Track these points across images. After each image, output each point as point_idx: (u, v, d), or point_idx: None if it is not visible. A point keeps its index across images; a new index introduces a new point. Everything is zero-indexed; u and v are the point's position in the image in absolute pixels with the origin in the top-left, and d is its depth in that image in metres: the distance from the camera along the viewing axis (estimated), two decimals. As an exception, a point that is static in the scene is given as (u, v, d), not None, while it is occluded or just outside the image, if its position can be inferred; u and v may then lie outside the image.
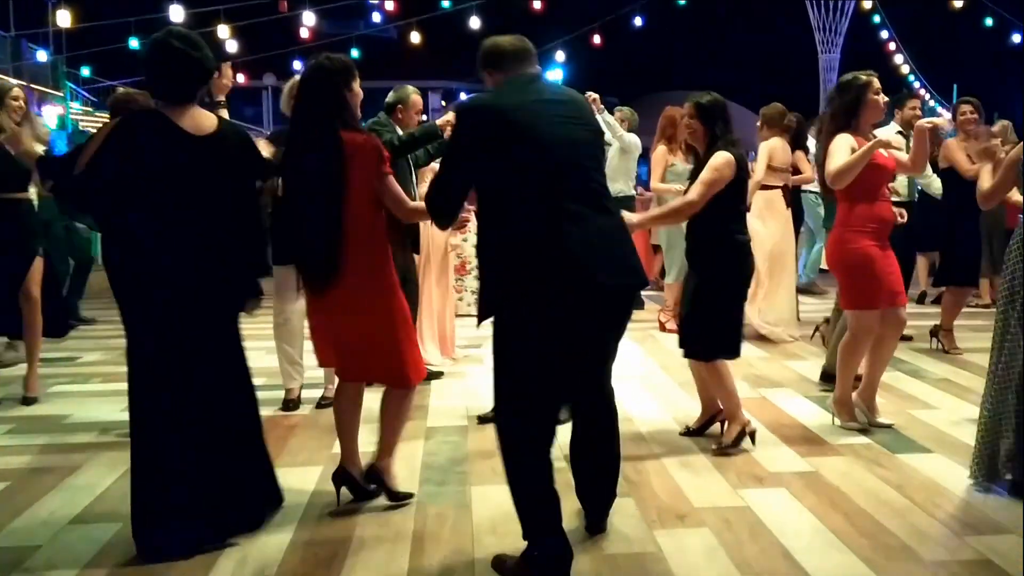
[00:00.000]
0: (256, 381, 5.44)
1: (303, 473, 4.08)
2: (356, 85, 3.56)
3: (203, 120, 3.34)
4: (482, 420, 4.76)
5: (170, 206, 3.24)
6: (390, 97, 5.56)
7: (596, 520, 3.39)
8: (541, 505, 3.00)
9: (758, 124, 7.21)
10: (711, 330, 4.25)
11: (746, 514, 3.56)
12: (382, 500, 3.72)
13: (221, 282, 3.36)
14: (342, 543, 3.34)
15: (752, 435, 4.33)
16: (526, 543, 3.00)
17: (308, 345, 5.23)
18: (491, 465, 4.17)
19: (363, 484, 3.70)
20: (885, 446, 4.38)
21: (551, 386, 3.01)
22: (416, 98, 5.54)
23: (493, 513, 3.59)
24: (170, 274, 3.25)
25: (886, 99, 4.56)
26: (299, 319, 5.08)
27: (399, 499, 3.67)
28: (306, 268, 3.54)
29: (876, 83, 4.43)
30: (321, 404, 5.12)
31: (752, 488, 3.84)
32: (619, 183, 7.55)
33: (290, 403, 5.14)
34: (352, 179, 3.40)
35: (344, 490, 3.70)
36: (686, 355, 4.40)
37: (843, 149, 4.24)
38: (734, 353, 4.31)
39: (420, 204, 3.55)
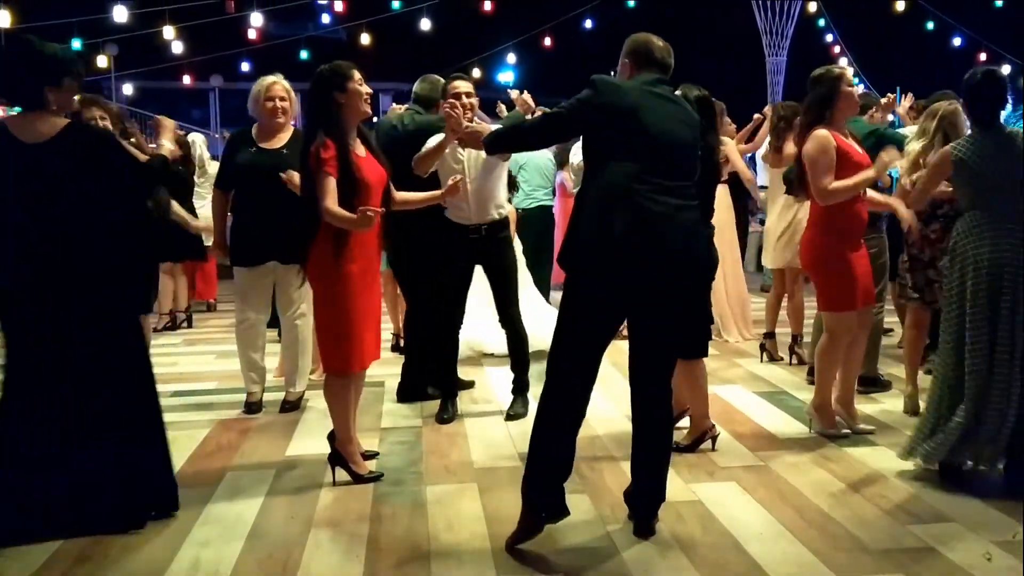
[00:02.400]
0: (207, 385, 5.41)
1: (256, 476, 4.06)
2: (352, 84, 3.83)
3: (42, 126, 3.31)
4: (510, 417, 4.91)
5: (19, 214, 3.27)
6: (425, 90, 5.37)
7: (644, 518, 3.44)
8: (555, 464, 3.26)
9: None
10: (695, 328, 4.23)
11: (698, 508, 3.62)
12: (336, 499, 3.73)
13: (93, 285, 3.35)
14: (297, 544, 3.34)
15: (714, 439, 4.36)
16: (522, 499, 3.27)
17: (270, 348, 5.25)
18: (445, 465, 4.20)
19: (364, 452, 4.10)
20: (832, 440, 4.47)
21: (598, 341, 3.27)
22: (455, 83, 4.90)
23: (448, 512, 3.61)
24: (31, 282, 3.28)
25: (860, 91, 4.57)
26: (261, 322, 5.05)
27: (360, 481, 3.93)
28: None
29: (848, 75, 4.44)
30: (285, 408, 5.09)
31: (703, 483, 3.90)
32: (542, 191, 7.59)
33: (252, 406, 5.08)
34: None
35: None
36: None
37: (828, 156, 4.20)
38: (705, 351, 4.34)
39: (334, 210, 3.72)
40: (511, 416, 4.93)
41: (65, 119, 3.37)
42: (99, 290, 3.38)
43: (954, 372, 3.81)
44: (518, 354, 5.07)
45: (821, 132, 4.27)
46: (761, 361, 6.27)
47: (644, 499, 3.44)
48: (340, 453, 3.93)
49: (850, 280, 4.36)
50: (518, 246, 6.12)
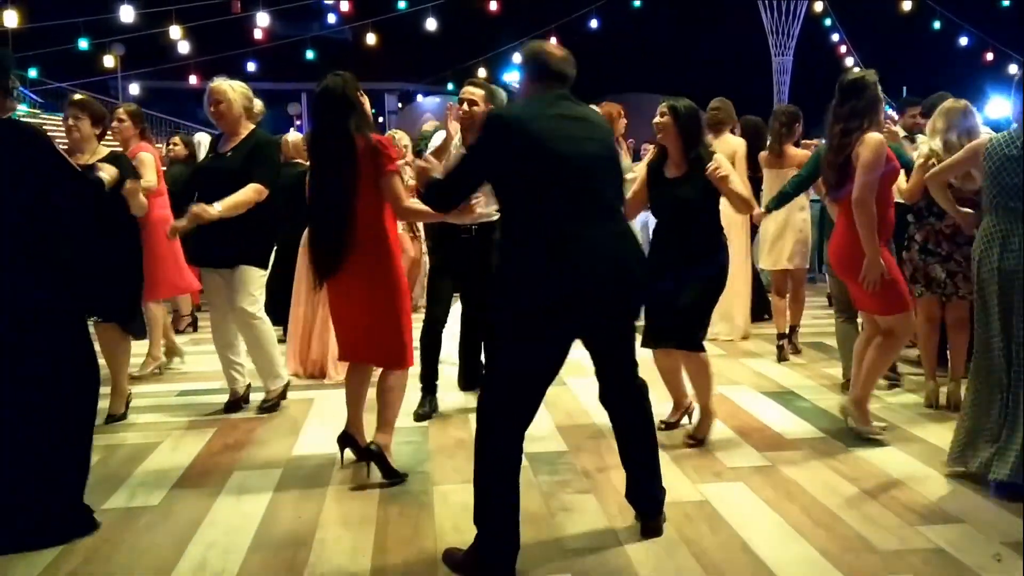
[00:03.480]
0: (213, 384, 5.41)
1: (262, 475, 4.06)
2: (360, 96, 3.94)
3: None
4: (418, 418, 4.91)
5: None
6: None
7: (649, 511, 3.41)
8: (501, 494, 3.07)
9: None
10: (702, 321, 4.37)
11: (705, 508, 3.61)
12: (342, 499, 3.72)
13: (22, 291, 3.26)
14: (304, 543, 3.33)
15: (690, 414, 4.56)
16: (476, 531, 3.08)
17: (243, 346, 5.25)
18: (453, 465, 4.19)
19: (364, 445, 4.00)
20: (840, 440, 4.46)
21: (536, 384, 3.12)
22: (465, 88, 5.10)
23: (455, 512, 3.60)
24: None
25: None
26: (226, 321, 5.03)
27: (394, 476, 3.91)
28: (318, 255, 3.91)
29: (878, 81, 4.37)
30: (264, 407, 5.09)
31: (711, 483, 3.89)
32: None
33: (237, 403, 5.11)
34: (362, 177, 3.80)
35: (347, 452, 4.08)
36: (680, 347, 4.39)
37: (881, 165, 4.17)
38: (700, 345, 4.42)
39: (416, 204, 3.82)
40: (420, 417, 5.02)
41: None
42: (18, 294, 3.26)
43: (986, 377, 3.81)
44: (473, 354, 5.29)
45: (879, 138, 4.23)
46: (778, 361, 6.29)
47: (646, 498, 3.42)
48: (382, 448, 3.94)
49: (900, 282, 4.37)
50: None
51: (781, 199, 5.62)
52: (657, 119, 4.36)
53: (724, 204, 4.42)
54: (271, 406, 5.10)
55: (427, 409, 4.99)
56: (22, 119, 3.90)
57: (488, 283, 4.97)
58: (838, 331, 5.47)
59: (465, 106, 4.73)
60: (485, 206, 4.67)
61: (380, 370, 4.03)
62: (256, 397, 5.19)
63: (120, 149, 5.65)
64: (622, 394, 3.35)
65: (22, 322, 3.29)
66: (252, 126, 4.94)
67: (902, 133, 5.61)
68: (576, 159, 3.07)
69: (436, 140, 4.92)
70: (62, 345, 3.39)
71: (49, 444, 3.34)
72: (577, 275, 2.99)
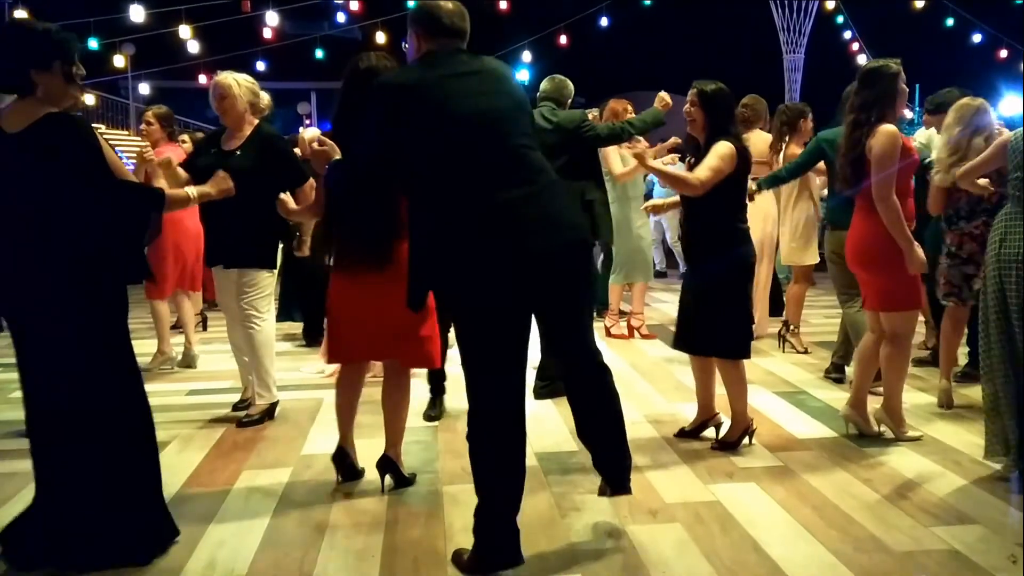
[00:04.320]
0: (223, 384, 5.39)
1: (271, 476, 4.05)
2: None
3: (20, 116, 3.07)
4: (429, 419, 4.91)
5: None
6: (554, 89, 5.67)
7: (615, 479, 3.25)
8: (502, 492, 3.04)
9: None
10: (740, 327, 4.22)
11: (716, 508, 3.58)
12: (352, 498, 3.72)
13: (60, 289, 3.07)
14: (313, 543, 3.32)
15: (751, 434, 4.35)
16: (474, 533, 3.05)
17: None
18: (462, 464, 4.16)
19: (356, 463, 3.95)
20: (852, 440, 4.43)
21: (506, 359, 2.99)
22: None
23: (465, 512, 3.57)
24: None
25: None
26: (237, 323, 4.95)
27: (407, 484, 3.88)
28: (364, 253, 3.60)
29: (902, 72, 4.26)
30: (238, 407, 5.06)
31: (722, 483, 3.86)
32: None
33: (248, 403, 5.07)
34: None
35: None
36: (717, 354, 4.29)
37: (896, 157, 4.07)
38: (749, 351, 4.31)
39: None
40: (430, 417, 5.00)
41: (46, 109, 3.08)
42: (66, 291, 3.09)
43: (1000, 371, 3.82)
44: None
45: (892, 129, 4.13)
46: (783, 351, 6.47)
47: (616, 468, 3.27)
48: (392, 458, 3.84)
49: (916, 278, 4.25)
50: None
51: (773, 180, 5.66)
52: (686, 107, 4.24)
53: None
54: (252, 422, 4.84)
55: (438, 411, 4.98)
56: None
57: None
58: (847, 319, 5.42)
59: None
60: None
61: (380, 379, 3.90)
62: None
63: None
64: (578, 370, 3.17)
65: (77, 317, 3.11)
66: (256, 121, 4.84)
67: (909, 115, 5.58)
68: (483, 116, 2.89)
69: None
70: (116, 350, 3.21)
71: (120, 456, 3.19)
72: (502, 249, 2.83)
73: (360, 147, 3.08)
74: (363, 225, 3.60)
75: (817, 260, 6.47)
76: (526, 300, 2.97)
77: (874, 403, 4.52)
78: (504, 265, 2.87)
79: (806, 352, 6.44)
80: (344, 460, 3.89)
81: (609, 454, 3.27)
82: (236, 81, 4.78)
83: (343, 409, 3.90)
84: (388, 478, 3.81)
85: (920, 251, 4.10)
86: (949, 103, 5.46)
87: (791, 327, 6.55)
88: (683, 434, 4.52)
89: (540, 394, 5.27)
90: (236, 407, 5.12)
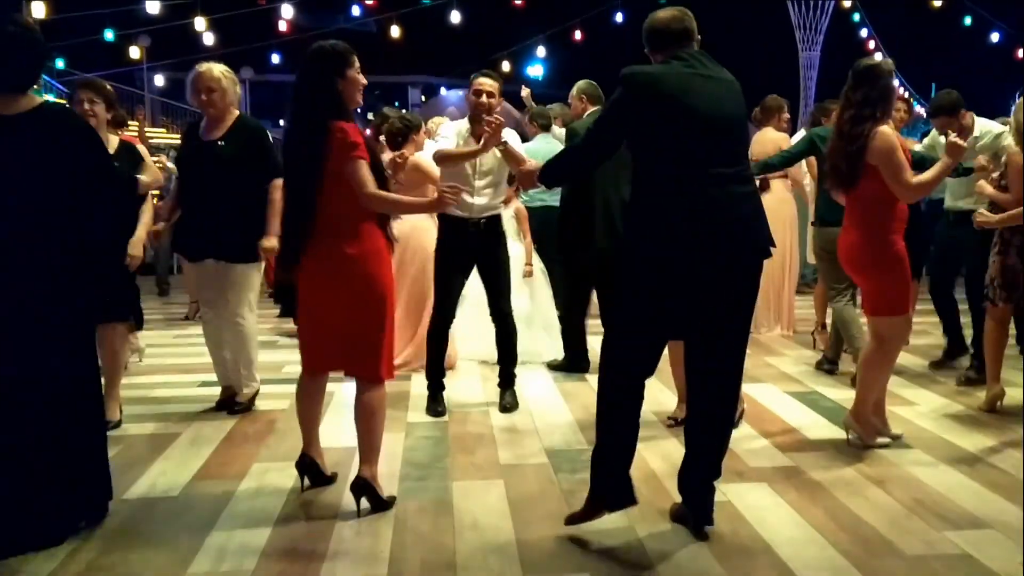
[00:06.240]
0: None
1: (282, 469, 4.04)
2: (351, 72, 3.48)
3: (21, 102, 3.20)
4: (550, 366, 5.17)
5: None
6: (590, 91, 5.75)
7: (699, 518, 3.35)
8: (618, 449, 3.27)
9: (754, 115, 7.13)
10: None
11: (727, 508, 3.56)
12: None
13: (46, 274, 3.19)
14: (322, 537, 3.32)
15: (740, 415, 4.47)
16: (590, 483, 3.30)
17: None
18: (471, 460, 4.17)
19: (325, 471, 3.81)
20: (865, 442, 4.39)
21: (657, 330, 3.24)
22: (480, 80, 5.03)
23: (474, 508, 3.58)
24: None
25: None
26: (221, 319, 4.91)
27: (386, 507, 3.57)
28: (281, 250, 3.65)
29: (894, 70, 4.28)
30: (235, 410, 4.95)
31: (733, 483, 3.84)
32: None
33: (231, 400, 5.03)
34: (328, 167, 3.39)
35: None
36: None
37: (900, 152, 4.06)
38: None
39: (384, 193, 3.50)
40: (505, 408, 5.00)
41: (38, 99, 3.26)
42: (46, 278, 3.19)
43: None
44: (506, 348, 5.10)
45: (888, 129, 4.10)
46: (814, 348, 6.46)
47: (703, 494, 3.36)
48: (368, 480, 3.54)
49: (908, 282, 4.24)
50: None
51: (764, 167, 5.72)
52: None
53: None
54: (242, 409, 4.94)
55: (441, 407, 4.98)
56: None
57: (505, 272, 4.99)
58: (836, 314, 5.55)
59: (484, 97, 4.72)
60: (471, 197, 4.67)
61: (354, 393, 3.63)
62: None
63: (127, 137, 5.44)
64: (713, 383, 3.29)
65: (49, 309, 3.21)
66: (237, 112, 4.80)
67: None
68: (713, 118, 3.13)
69: (443, 129, 4.97)
70: (82, 333, 3.36)
71: (79, 430, 3.31)
72: (705, 229, 3.07)
73: (598, 125, 3.29)
74: (288, 216, 3.59)
75: None
76: (701, 295, 3.16)
77: (891, 406, 4.49)
78: (696, 248, 3.09)
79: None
80: (310, 467, 3.74)
81: (707, 490, 3.36)
82: (223, 74, 4.73)
83: (303, 418, 3.73)
84: (364, 501, 3.52)
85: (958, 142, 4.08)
86: (946, 106, 5.44)
87: (819, 326, 6.53)
88: (676, 424, 4.52)
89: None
90: (221, 404, 5.04)
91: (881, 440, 4.34)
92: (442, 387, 5.07)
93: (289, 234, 3.56)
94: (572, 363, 5.95)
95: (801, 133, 7.61)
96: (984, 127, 5.70)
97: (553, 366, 6.02)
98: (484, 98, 4.71)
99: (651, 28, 3.35)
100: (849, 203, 4.27)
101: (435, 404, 4.98)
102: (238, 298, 4.81)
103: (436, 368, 5.03)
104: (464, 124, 4.90)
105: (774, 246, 3.28)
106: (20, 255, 3.16)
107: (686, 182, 3.08)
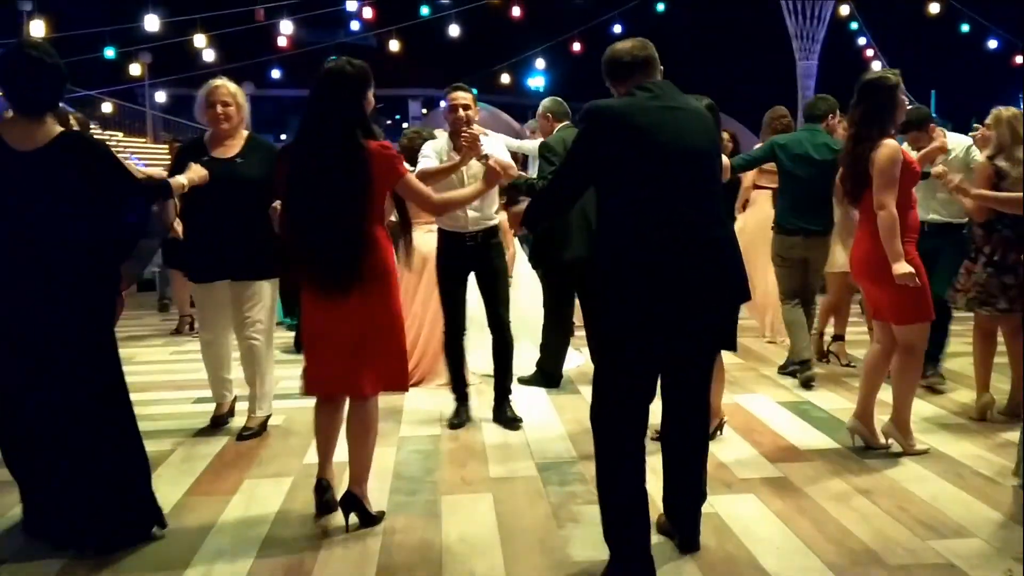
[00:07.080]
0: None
1: (273, 484, 4.07)
2: (372, 91, 3.50)
3: (37, 133, 3.23)
4: (452, 426, 4.96)
5: (6, 222, 3.21)
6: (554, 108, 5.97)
7: (687, 537, 3.34)
8: (628, 519, 3.06)
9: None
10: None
11: (713, 519, 3.57)
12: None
13: (68, 296, 3.24)
14: (310, 551, 3.34)
15: (721, 426, 4.51)
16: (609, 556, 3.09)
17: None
18: (461, 475, 4.18)
19: (334, 499, 3.67)
20: (854, 451, 4.41)
21: (641, 372, 3.05)
22: (455, 94, 4.98)
23: (462, 522, 3.60)
24: (7, 288, 3.22)
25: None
26: (222, 342, 4.90)
27: (374, 523, 3.58)
28: (323, 277, 3.41)
29: (901, 83, 4.24)
30: (244, 436, 4.77)
31: (721, 494, 3.85)
32: None
33: (224, 418, 5.00)
34: (376, 188, 3.41)
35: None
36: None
37: (896, 170, 4.05)
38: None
39: (446, 196, 3.85)
40: (505, 422, 5.00)
41: (59, 127, 3.29)
42: (74, 303, 3.26)
43: None
44: (502, 359, 5.10)
45: (894, 143, 4.12)
46: (828, 362, 6.46)
47: (689, 518, 3.35)
48: (358, 496, 3.55)
49: (927, 289, 4.21)
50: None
51: (749, 163, 5.93)
52: None
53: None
54: (253, 434, 4.78)
55: (462, 419, 5.00)
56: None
57: (502, 281, 5.03)
58: (786, 315, 5.87)
59: (460, 111, 4.76)
60: (463, 210, 4.72)
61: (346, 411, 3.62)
62: (241, 410, 5.03)
63: None
64: (687, 403, 3.25)
65: (80, 326, 3.28)
66: (246, 130, 4.78)
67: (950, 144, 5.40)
68: (680, 152, 2.98)
69: (425, 148, 4.99)
70: (109, 347, 3.40)
71: (117, 443, 3.38)
72: (676, 266, 2.93)
73: (567, 174, 3.17)
74: (328, 242, 3.38)
75: (847, 269, 6.42)
76: (676, 332, 3.02)
77: (880, 414, 4.50)
78: (667, 285, 2.93)
79: (850, 365, 6.33)
80: (323, 494, 3.66)
81: (694, 515, 3.35)
82: (239, 89, 4.76)
83: (324, 435, 3.65)
84: (353, 516, 3.53)
85: (906, 266, 4.04)
86: (915, 121, 5.45)
87: (834, 338, 6.49)
88: (659, 438, 4.50)
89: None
90: (216, 422, 5.00)
91: (919, 447, 4.39)
92: (466, 398, 5.10)
93: (329, 261, 3.37)
94: (544, 379, 5.90)
95: None
96: (956, 142, 5.73)
97: (524, 380, 5.87)
98: (460, 112, 4.75)
99: (612, 59, 3.21)
100: (862, 215, 4.28)
101: (454, 416, 5.01)
102: (255, 315, 4.73)
103: (458, 380, 5.07)
104: (443, 142, 4.95)
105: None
106: (52, 285, 3.22)
107: (650, 221, 2.93)
